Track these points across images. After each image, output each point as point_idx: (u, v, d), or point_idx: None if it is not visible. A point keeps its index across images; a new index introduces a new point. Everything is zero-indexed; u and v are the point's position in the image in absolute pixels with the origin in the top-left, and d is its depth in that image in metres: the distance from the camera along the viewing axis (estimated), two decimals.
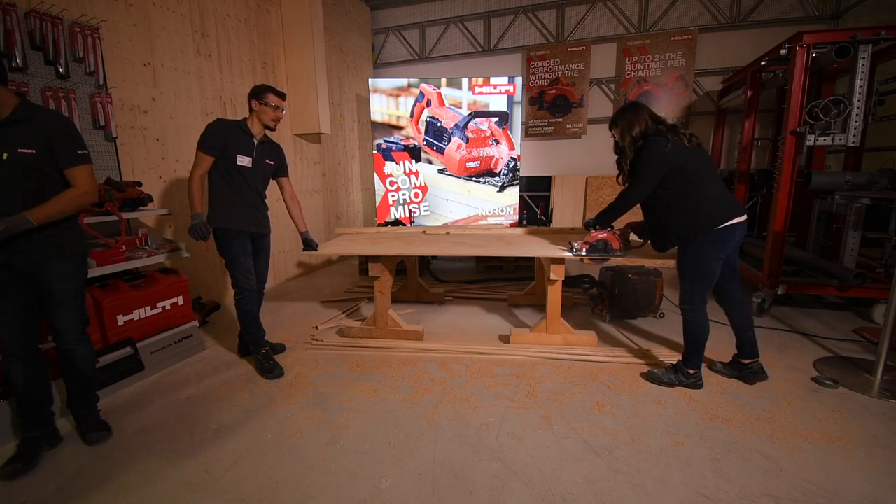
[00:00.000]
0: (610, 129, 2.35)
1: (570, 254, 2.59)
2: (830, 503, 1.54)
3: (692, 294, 2.20)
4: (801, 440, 1.89)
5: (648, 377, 2.41)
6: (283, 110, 2.53)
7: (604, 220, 2.48)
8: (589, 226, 2.58)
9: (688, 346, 2.30)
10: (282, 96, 2.52)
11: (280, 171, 2.73)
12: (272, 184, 2.76)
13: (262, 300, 2.76)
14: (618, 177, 2.34)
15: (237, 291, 2.54)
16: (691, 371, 2.30)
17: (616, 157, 2.34)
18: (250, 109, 2.50)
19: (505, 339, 2.99)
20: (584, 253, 2.54)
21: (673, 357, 2.56)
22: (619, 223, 2.56)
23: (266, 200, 2.68)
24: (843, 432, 1.94)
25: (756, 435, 1.93)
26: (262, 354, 2.60)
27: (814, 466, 1.72)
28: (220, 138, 2.41)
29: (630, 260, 2.54)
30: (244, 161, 2.47)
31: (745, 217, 2.12)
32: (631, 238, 2.65)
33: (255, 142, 2.51)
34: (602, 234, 2.52)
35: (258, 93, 2.46)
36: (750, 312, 2.37)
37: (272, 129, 2.55)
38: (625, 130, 2.23)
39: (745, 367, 2.37)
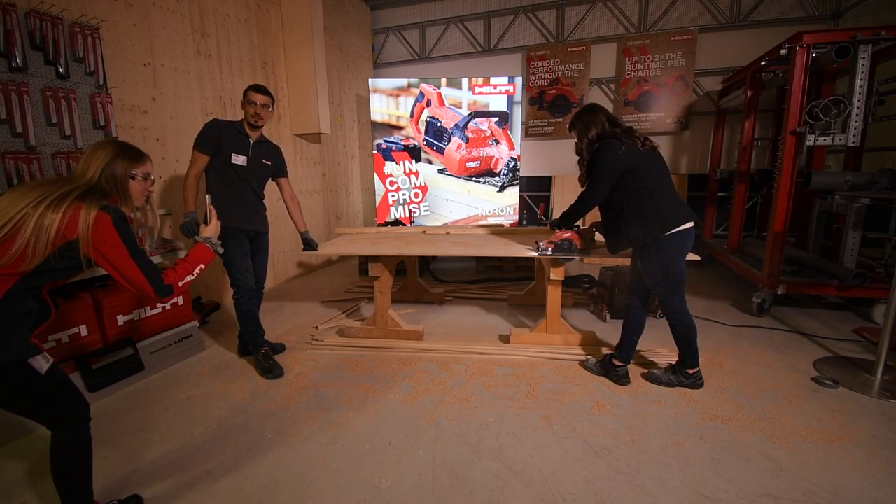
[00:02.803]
0: (569, 130, 2.39)
1: (535, 253, 2.65)
2: (830, 503, 1.54)
3: (671, 298, 2.22)
4: (801, 440, 1.89)
5: (648, 377, 2.42)
6: (268, 107, 2.50)
7: (566, 220, 2.54)
8: (553, 226, 2.66)
9: (681, 347, 2.31)
10: (263, 92, 2.49)
11: (279, 171, 2.74)
12: (273, 184, 2.77)
13: (262, 300, 2.76)
14: (579, 177, 2.37)
15: (236, 291, 2.55)
16: (690, 371, 2.31)
17: (577, 158, 2.38)
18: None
19: (505, 339, 2.99)
20: (549, 252, 2.61)
21: (672, 357, 2.56)
22: (586, 223, 2.62)
23: (264, 200, 2.70)
24: (843, 432, 1.94)
25: (756, 435, 1.93)
26: (261, 354, 2.60)
27: (814, 466, 1.72)
28: (215, 137, 2.43)
29: (591, 258, 2.63)
30: (239, 160, 2.49)
31: (692, 224, 2.15)
32: (597, 238, 2.72)
33: (251, 142, 2.53)
34: (566, 234, 2.59)
35: (244, 93, 2.50)
36: (644, 322, 2.41)
37: (256, 126, 2.52)
38: (582, 133, 2.26)
39: (613, 368, 2.41)
